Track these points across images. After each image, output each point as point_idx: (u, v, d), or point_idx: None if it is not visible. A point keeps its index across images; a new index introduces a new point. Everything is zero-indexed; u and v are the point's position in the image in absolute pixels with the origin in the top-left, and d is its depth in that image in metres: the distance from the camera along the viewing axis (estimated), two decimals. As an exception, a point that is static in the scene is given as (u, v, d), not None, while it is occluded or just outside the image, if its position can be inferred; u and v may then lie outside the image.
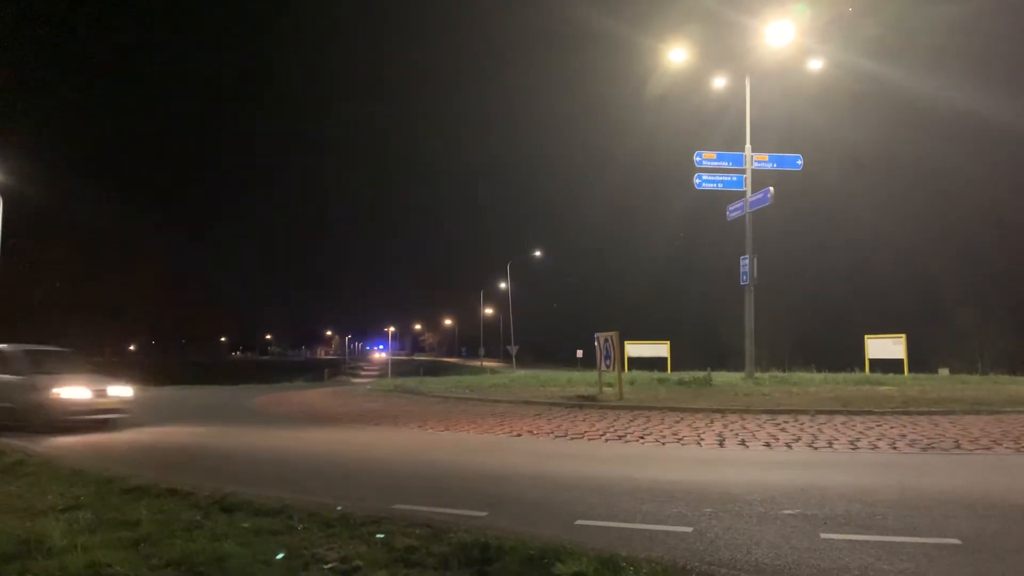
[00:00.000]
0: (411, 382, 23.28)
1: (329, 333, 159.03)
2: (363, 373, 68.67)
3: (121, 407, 11.98)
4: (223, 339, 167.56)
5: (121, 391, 12.02)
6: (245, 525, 4.75)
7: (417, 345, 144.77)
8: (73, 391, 11.40)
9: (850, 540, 4.36)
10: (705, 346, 40.52)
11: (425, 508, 5.23)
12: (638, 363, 23.38)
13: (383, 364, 68.59)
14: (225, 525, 4.76)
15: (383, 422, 12.13)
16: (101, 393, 11.73)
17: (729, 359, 25.48)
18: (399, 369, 58.86)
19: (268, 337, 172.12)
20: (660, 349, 24.40)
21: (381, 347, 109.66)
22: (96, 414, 11.60)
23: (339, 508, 5.11)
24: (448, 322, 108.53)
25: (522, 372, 31.54)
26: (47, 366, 12.22)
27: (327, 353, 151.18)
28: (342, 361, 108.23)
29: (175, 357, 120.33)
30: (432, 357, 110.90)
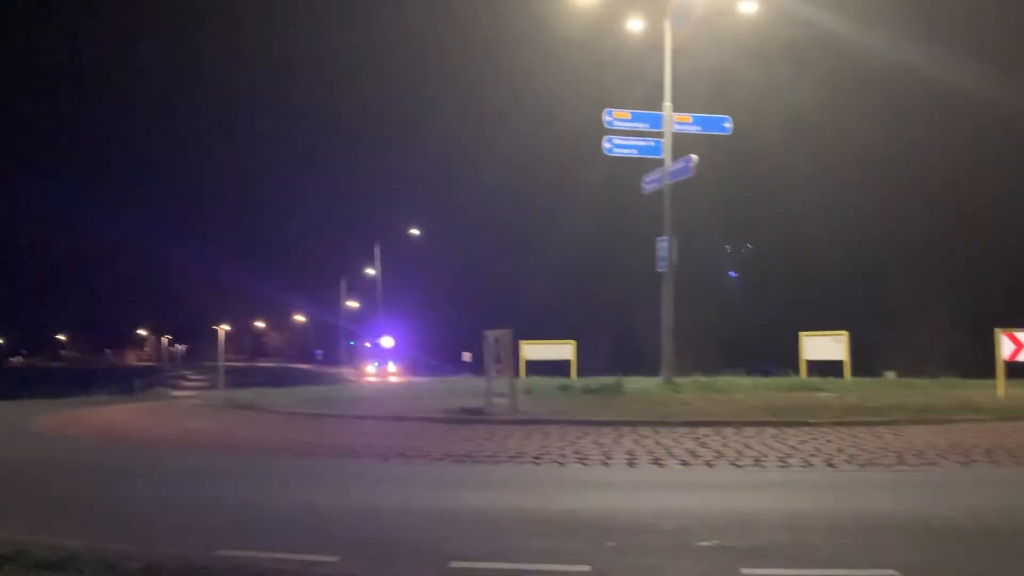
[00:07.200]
0: (248, 395, 22.68)
1: (143, 333, 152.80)
2: (187, 384, 66.47)
3: None
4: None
5: None
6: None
7: (259, 348, 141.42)
8: None
9: (775, 575, 4.59)
10: (618, 346, 41.58)
11: (258, 553, 5.13)
12: (537, 367, 23.64)
13: (212, 373, 66.01)
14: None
15: (209, 446, 11.80)
16: None
17: (645, 361, 26.19)
18: (235, 379, 57.29)
19: (61, 338, 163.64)
20: (564, 350, 24.74)
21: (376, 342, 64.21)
22: None
23: (145, 556, 4.94)
24: (300, 318, 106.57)
25: (395, 380, 31.39)
26: None
27: (141, 358, 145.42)
28: (160, 368, 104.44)
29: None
30: (278, 363, 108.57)
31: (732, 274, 59.60)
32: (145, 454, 11.44)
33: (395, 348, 63.28)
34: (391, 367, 59.34)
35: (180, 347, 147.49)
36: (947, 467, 8.32)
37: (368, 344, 66.78)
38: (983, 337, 15.33)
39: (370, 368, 60.00)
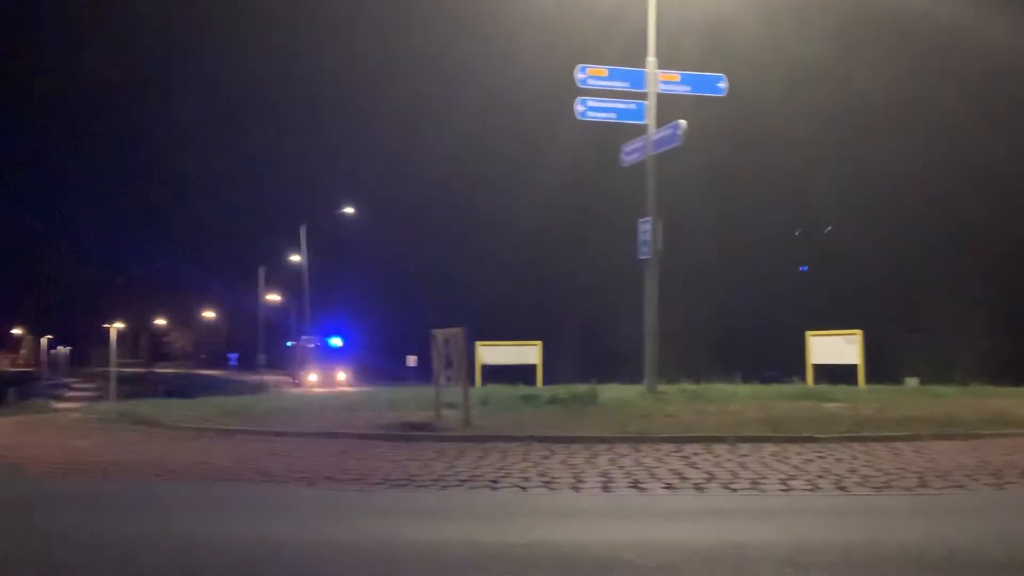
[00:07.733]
0: (146, 407, 22.47)
1: (18, 332, 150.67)
2: (72, 394, 65.78)
3: None
4: None
5: None
6: None
7: (160, 351, 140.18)
8: None
9: (773, 617, 4.61)
10: (592, 349, 41.75)
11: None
12: (496, 373, 23.68)
13: (103, 381, 65.09)
14: None
15: (95, 468, 11.64)
16: None
17: (624, 366, 26.29)
18: (131, 388, 56.78)
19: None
20: (528, 353, 24.78)
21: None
22: None
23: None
24: (210, 315, 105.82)
25: (325, 390, 31.28)
26: None
27: (15, 363, 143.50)
28: (39, 376, 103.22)
29: None
30: (183, 369, 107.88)
31: (803, 268, 60.03)
32: (13, 479, 11.25)
33: (337, 351, 62.81)
34: (340, 374, 59.21)
35: (64, 350, 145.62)
36: (977, 490, 8.44)
37: (307, 345, 65.50)
38: (1020, 338, 15.56)
39: (312, 376, 58.97)
